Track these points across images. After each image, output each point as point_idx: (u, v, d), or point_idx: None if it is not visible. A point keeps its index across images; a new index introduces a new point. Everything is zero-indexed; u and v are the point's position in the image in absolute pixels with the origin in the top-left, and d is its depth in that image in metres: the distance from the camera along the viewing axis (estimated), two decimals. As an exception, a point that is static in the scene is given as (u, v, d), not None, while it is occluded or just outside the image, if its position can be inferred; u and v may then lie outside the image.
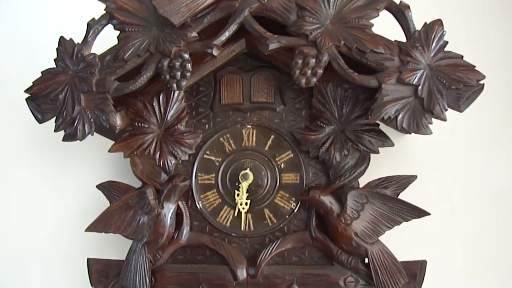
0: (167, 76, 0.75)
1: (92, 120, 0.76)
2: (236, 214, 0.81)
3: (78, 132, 0.77)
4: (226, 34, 0.74)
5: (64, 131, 0.78)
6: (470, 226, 0.90)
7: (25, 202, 1.05)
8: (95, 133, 0.85)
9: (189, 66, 0.74)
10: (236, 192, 0.81)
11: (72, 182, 1.03)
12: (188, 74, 0.75)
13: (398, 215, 0.75)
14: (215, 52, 0.73)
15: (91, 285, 0.85)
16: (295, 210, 0.81)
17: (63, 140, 0.78)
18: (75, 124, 0.77)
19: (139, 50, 0.75)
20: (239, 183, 0.80)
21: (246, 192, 0.80)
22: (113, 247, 0.91)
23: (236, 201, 0.80)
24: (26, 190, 1.06)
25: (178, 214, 0.83)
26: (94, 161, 1.02)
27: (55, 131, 0.78)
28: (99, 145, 0.93)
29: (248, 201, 0.80)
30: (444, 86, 0.68)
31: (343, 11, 0.71)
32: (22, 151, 1.07)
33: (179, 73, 0.74)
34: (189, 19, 0.73)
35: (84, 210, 0.96)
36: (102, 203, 0.84)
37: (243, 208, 0.80)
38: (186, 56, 0.74)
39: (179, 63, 0.74)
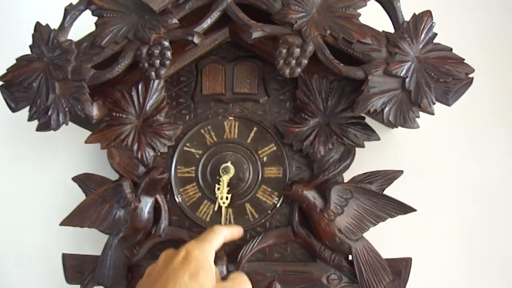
0: (146, 64, 0.72)
1: (67, 109, 0.73)
2: (216, 208, 0.79)
3: (52, 122, 0.74)
4: (208, 22, 0.72)
5: (38, 121, 0.75)
6: (457, 222, 0.88)
7: (-1, 195, 1.02)
8: (73, 123, 0.83)
9: (168, 54, 0.71)
10: (217, 186, 0.78)
11: (49, 174, 1.00)
12: (168, 62, 0.72)
13: (383, 211, 0.73)
14: (196, 39, 0.70)
15: (66, 281, 0.82)
16: (278, 205, 0.79)
17: (37, 130, 0.76)
18: (49, 113, 0.74)
19: (117, 37, 0.72)
20: (220, 176, 0.78)
21: (227, 186, 0.77)
22: (91, 241, 0.88)
23: (217, 195, 0.78)
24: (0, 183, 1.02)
25: (156, 208, 0.80)
26: (72, 152, 0.99)
27: (28, 120, 0.75)
28: (78, 136, 0.90)
29: (229, 196, 0.78)
30: (432, 79, 0.66)
31: (330, -1, 0.69)
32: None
33: (158, 61, 0.72)
34: (170, 5, 0.70)
35: (61, 204, 0.93)
36: (80, 196, 0.81)
37: (224, 203, 0.78)
38: (166, 43, 0.71)
39: (158, 51, 0.71)
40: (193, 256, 0.61)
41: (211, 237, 0.67)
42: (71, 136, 0.93)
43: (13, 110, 0.77)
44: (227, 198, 0.78)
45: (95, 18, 0.74)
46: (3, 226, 1.01)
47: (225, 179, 0.77)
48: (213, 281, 0.61)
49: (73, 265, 0.81)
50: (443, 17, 0.75)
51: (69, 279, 0.82)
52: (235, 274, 0.68)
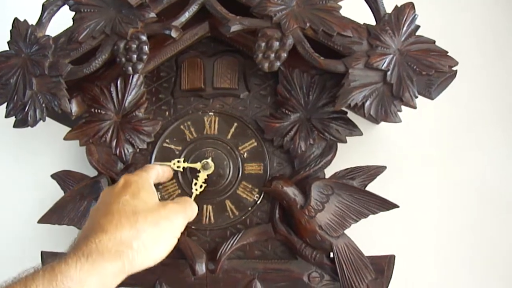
0: (123, 59, 0.71)
1: (43, 105, 0.73)
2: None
3: (29, 118, 0.73)
4: (186, 15, 0.71)
5: (15, 117, 0.74)
6: (441, 219, 0.87)
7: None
8: (54, 120, 0.82)
9: (146, 48, 0.70)
10: (194, 181, 0.76)
11: (27, 171, 0.99)
12: (145, 57, 0.71)
13: (365, 208, 0.71)
14: (173, 33, 0.70)
15: (46, 280, 0.81)
16: (258, 202, 0.77)
17: (14, 126, 0.75)
18: (26, 110, 0.73)
19: (94, 32, 0.71)
20: (199, 172, 0.76)
21: (204, 182, 0.76)
22: (70, 239, 0.86)
23: (192, 191, 0.76)
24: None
25: (135, 206, 0.78)
26: (52, 149, 0.98)
27: (5, 117, 0.75)
28: (57, 133, 0.89)
29: (204, 185, 0.76)
30: (414, 72, 0.65)
31: (310, -9, 0.68)
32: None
33: (135, 56, 0.71)
34: (148, -2, 0.70)
35: (40, 201, 0.91)
36: (59, 193, 0.80)
37: (196, 190, 0.76)
38: (143, 38, 0.70)
39: (135, 45, 0.70)
40: (132, 181, 0.64)
41: (145, 168, 0.71)
42: (51, 132, 0.92)
43: (-9, 107, 0.76)
44: (201, 186, 0.76)
45: (73, 13, 0.73)
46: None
47: (201, 175, 0.76)
48: (155, 199, 0.64)
49: (52, 264, 0.80)
50: (426, 9, 0.74)
51: (48, 278, 0.80)
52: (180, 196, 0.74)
